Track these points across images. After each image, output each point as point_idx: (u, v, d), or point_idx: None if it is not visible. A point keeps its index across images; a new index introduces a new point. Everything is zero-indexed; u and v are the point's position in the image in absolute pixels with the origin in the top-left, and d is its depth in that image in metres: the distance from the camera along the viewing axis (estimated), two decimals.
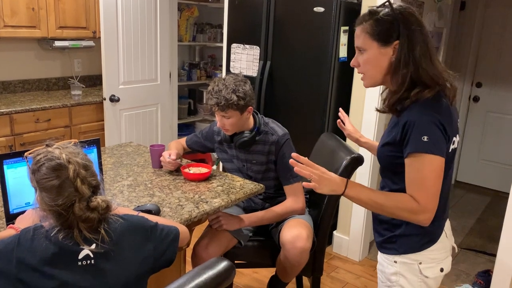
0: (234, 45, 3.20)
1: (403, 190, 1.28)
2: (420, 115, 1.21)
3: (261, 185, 1.97)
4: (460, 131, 4.52)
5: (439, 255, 1.36)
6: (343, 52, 2.80)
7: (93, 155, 1.70)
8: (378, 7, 1.30)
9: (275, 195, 2.12)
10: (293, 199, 2.01)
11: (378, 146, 1.38)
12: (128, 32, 3.48)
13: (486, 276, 2.72)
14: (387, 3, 1.28)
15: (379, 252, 1.44)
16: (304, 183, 1.32)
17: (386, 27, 1.25)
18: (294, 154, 1.31)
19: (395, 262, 1.36)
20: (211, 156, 2.41)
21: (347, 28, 2.74)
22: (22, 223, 1.33)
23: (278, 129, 2.04)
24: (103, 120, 3.46)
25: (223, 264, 1.17)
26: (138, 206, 1.61)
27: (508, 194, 2.24)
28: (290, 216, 2.03)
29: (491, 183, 4.49)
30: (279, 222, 2.05)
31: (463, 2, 4.29)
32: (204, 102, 4.66)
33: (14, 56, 3.49)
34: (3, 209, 1.51)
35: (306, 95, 2.90)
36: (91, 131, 3.45)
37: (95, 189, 1.16)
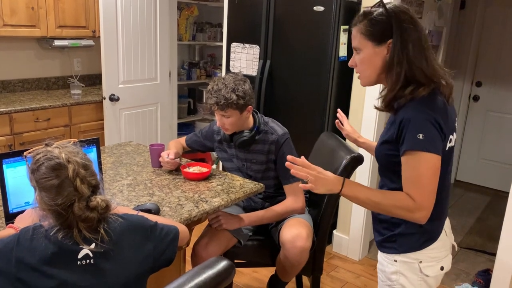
0: (234, 44, 3.19)
1: (401, 188, 1.28)
2: (416, 113, 1.22)
3: (261, 184, 1.97)
4: (460, 130, 4.52)
5: (439, 253, 1.36)
6: (343, 51, 2.79)
7: (92, 155, 1.69)
8: (372, 7, 1.32)
9: (275, 195, 2.12)
10: (293, 199, 2.01)
11: (376, 145, 1.38)
12: (128, 32, 3.48)
13: (486, 275, 2.72)
14: (380, 3, 1.29)
15: (379, 252, 1.44)
16: (301, 185, 1.33)
17: (379, 27, 1.27)
18: (289, 157, 1.32)
19: (395, 261, 1.36)
20: (210, 156, 2.41)
21: (347, 27, 2.73)
22: (21, 222, 1.33)
23: (277, 128, 2.04)
24: (102, 120, 3.45)
25: (223, 263, 1.17)
26: (137, 206, 1.61)
27: (508, 193, 2.24)
28: (290, 216, 2.03)
29: (491, 182, 4.49)
30: (279, 221, 2.05)
31: (463, 1, 4.29)
32: (204, 101, 4.66)
33: (14, 55, 3.49)
34: (2, 208, 1.50)
35: (306, 94, 2.90)
36: (90, 131, 3.45)
37: (95, 188, 1.16)
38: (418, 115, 1.21)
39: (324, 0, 2.69)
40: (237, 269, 2.40)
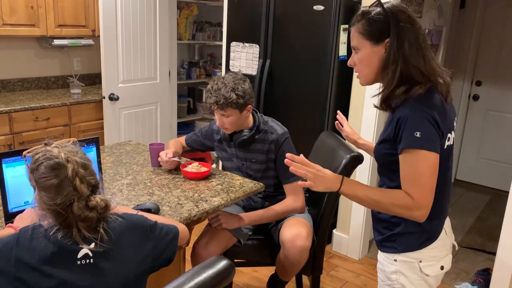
0: (233, 44, 3.19)
1: (400, 187, 1.28)
2: (413, 110, 1.22)
3: (261, 183, 1.96)
4: (460, 130, 4.52)
5: (439, 253, 1.35)
6: (342, 51, 2.79)
7: (92, 154, 1.69)
8: (370, 6, 1.32)
9: (274, 194, 2.12)
10: (293, 198, 2.01)
11: (375, 144, 1.38)
12: (128, 31, 3.47)
13: (485, 274, 2.72)
14: (378, 2, 1.30)
15: (379, 251, 1.44)
16: (300, 182, 1.33)
17: (377, 26, 1.27)
18: (288, 155, 1.32)
19: (395, 260, 1.36)
20: (210, 155, 2.41)
21: (347, 26, 2.73)
22: (21, 222, 1.33)
23: (277, 127, 2.04)
24: (102, 119, 3.45)
25: (223, 263, 1.17)
26: (137, 205, 1.61)
27: (508, 192, 2.24)
28: (290, 215, 2.03)
29: (490, 182, 4.49)
30: (279, 220, 2.04)
31: (463, 0, 4.28)
32: (204, 100, 4.65)
33: (13, 54, 3.49)
34: (1, 208, 1.50)
35: (305, 94, 2.90)
36: (90, 130, 3.45)
37: (94, 188, 1.16)
38: (415, 113, 1.22)
39: None
40: (237, 268, 2.40)
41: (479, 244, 3.36)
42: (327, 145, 2.24)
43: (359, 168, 2.25)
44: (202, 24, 4.61)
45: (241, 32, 3.14)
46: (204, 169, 2.00)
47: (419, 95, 1.23)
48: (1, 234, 1.24)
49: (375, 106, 1.39)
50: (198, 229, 2.00)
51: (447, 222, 1.42)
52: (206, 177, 1.98)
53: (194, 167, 2.00)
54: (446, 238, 1.39)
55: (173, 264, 1.32)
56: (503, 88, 4.27)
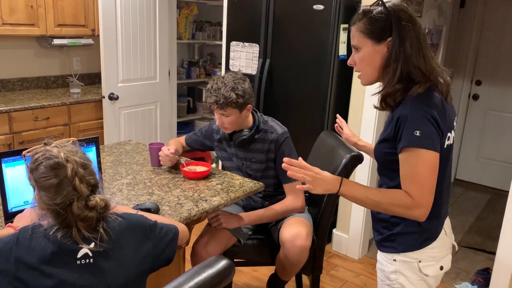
0: (233, 43, 3.19)
1: (399, 186, 1.28)
2: (413, 109, 1.22)
3: (261, 183, 1.96)
4: (460, 129, 4.52)
5: (439, 253, 1.35)
6: (342, 50, 2.79)
7: (92, 154, 1.69)
8: (371, 6, 1.32)
9: (274, 193, 2.12)
10: (293, 197, 2.01)
11: (376, 144, 1.38)
12: (127, 30, 3.47)
13: (485, 274, 2.72)
14: (379, 1, 1.30)
15: (378, 251, 1.44)
16: (299, 186, 1.33)
17: (379, 25, 1.27)
18: (286, 159, 1.32)
19: (395, 260, 1.36)
20: (210, 155, 2.41)
21: (346, 25, 2.73)
22: (20, 221, 1.33)
23: (277, 127, 2.04)
24: (102, 118, 3.45)
25: (223, 262, 1.17)
26: (137, 205, 1.61)
27: (507, 192, 2.24)
28: (290, 214, 2.03)
29: (490, 181, 4.49)
30: (279, 220, 2.04)
31: None
32: (203, 100, 4.65)
33: (13, 54, 3.48)
34: (1, 207, 1.50)
35: (305, 93, 2.89)
36: (90, 129, 3.44)
37: (94, 187, 1.16)
38: (414, 112, 1.22)
39: None
40: (236, 268, 2.40)
41: (479, 243, 3.36)
42: (327, 145, 2.24)
43: (358, 168, 2.25)
44: (202, 24, 4.60)
45: (241, 32, 3.14)
46: (204, 168, 2.00)
47: (419, 94, 1.24)
48: (1, 233, 1.24)
49: (375, 107, 1.39)
50: (198, 228, 2.00)
51: (447, 222, 1.42)
52: (206, 176, 1.98)
53: (193, 167, 2.00)
54: (446, 238, 1.39)
55: (173, 263, 1.32)
56: (503, 88, 4.27)
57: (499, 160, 4.39)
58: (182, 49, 4.69)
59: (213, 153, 2.31)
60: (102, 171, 1.95)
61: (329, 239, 3.13)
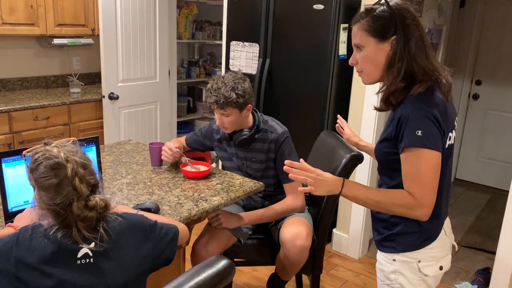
0: (233, 43, 3.19)
1: (400, 186, 1.28)
2: (414, 109, 1.22)
3: (261, 183, 1.96)
4: (460, 129, 4.52)
5: (438, 253, 1.35)
6: (342, 50, 2.79)
7: (92, 153, 1.69)
8: (374, 5, 1.32)
9: (274, 193, 2.12)
10: (293, 197, 2.01)
11: (376, 143, 1.38)
12: (127, 30, 3.47)
13: (485, 273, 2.72)
14: (382, 1, 1.29)
15: (378, 251, 1.44)
16: (301, 188, 1.33)
17: (383, 23, 1.27)
18: (287, 161, 1.32)
19: (394, 260, 1.36)
20: (210, 154, 2.41)
21: (346, 25, 2.73)
22: (20, 221, 1.33)
23: (277, 127, 2.04)
24: (102, 118, 3.45)
25: (223, 262, 1.17)
26: (137, 204, 1.61)
27: (507, 191, 2.24)
28: (290, 214, 2.03)
29: (490, 181, 4.49)
30: (279, 220, 2.04)
31: None
32: (203, 99, 4.65)
33: (13, 53, 3.48)
34: (1, 207, 1.50)
35: (305, 93, 2.89)
36: (90, 129, 3.44)
37: (94, 187, 1.16)
38: (416, 112, 1.21)
39: None
40: (236, 267, 2.40)
41: (478, 243, 3.36)
42: (327, 145, 2.24)
43: (358, 168, 2.25)
44: (201, 23, 4.60)
45: (241, 31, 3.14)
46: (204, 168, 2.00)
47: (419, 93, 1.23)
48: (1, 233, 1.25)
49: (375, 108, 1.38)
50: (198, 228, 2.00)
51: (447, 223, 1.42)
52: (206, 176, 1.98)
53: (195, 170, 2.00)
54: (446, 238, 1.39)
55: (173, 263, 1.32)
56: (503, 87, 4.27)
57: (499, 159, 4.39)
58: (182, 48, 4.69)
59: (213, 153, 2.31)
60: (102, 170, 1.95)
61: (329, 238, 3.13)
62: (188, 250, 2.05)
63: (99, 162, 1.74)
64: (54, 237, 1.09)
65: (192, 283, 1.10)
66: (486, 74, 4.35)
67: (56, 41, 3.42)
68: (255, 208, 2.07)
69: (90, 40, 3.64)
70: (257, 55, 3.06)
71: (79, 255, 1.11)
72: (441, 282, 1.55)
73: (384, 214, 1.36)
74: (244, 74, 2.01)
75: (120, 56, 3.46)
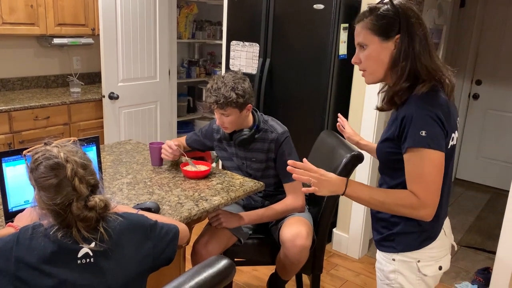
0: (233, 43, 3.19)
1: (401, 185, 1.28)
2: (418, 109, 1.22)
3: (261, 183, 1.96)
4: (460, 129, 4.51)
5: (438, 253, 1.35)
6: (343, 50, 2.79)
7: (92, 153, 1.69)
8: (377, 3, 1.31)
9: (274, 193, 2.12)
10: (293, 197, 2.01)
11: (378, 143, 1.38)
12: (127, 30, 3.47)
13: (485, 273, 2.72)
14: (386, 0, 1.29)
15: (377, 250, 1.44)
16: (304, 189, 1.32)
17: (387, 22, 1.26)
18: (290, 161, 1.31)
19: (394, 260, 1.36)
20: (210, 154, 2.41)
21: (347, 25, 2.73)
22: (21, 221, 1.33)
23: (277, 126, 2.04)
24: (102, 118, 3.45)
25: (223, 262, 1.17)
26: (137, 204, 1.61)
27: (507, 191, 2.24)
28: (290, 214, 2.03)
29: (490, 181, 4.49)
30: (279, 219, 2.04)
31: None
32: (203, 99, 4.65)
33: (13, 53, 3.48)
34: (2, 207, 1.50)
35: (306, 93, 2.89)
36: (90, 129, 3.44)
37: (94, 188, 1.16)
38: (420, 112, 1.21)
39: None
40: (237, 267, 2.39)
41: (478, 243, 3.36)
42: (327, 144, 2.24)
43: (359, 167, 2.25)
44: (202, 23, 4.60)
45: (241, 31, 3.14)
46: (204, 168, 2.00)
47: (423, 93, 1.23)
48: (1, 233, 1.25)
49: (377, 108, 1.38)
50: (198, 228, 2.00)
51: (447, 223, 1.42)
52: (206, 176, 1.98)
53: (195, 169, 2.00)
54: (445, 238, 1.39)
55: (173, 263, 1.32)
56: (503, 87, 4.27)
57: (499, 159, 4.39)
58: (182, 48, 4.68)
59: (213, 153, 2.31)
60: (103, 170, 1.96)
61: (329, 238, 3.13)
62: (189, 249, 2.05)
63: (99, 162, 1.74)
64: (55, 236, 1.09)
65: (192, 282, 1.10)
66: (486, 74, 4.35)
67: (56, 40, 3.42)
68: (255, 208, 2.07)
69: (90, 40, 3.63)
70: (257, 55, 3.06)
71: (80, 254, 1.11)
72: (441, 282, 1.55)
73: (384, 214, 1.36)
74: (244, 74, 2.01)
75: (120, 56, 3.46)
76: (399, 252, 1.35)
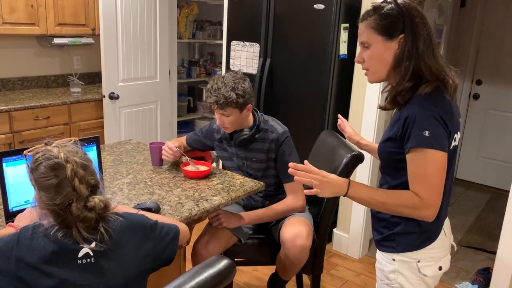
0: (234, 43, 3.19)
1: (402, 185, 1.28)
2: (421, 109, 1.22)
3: (261, 183, 1.97)
4: (460, 129, 4.52)
5: (438, 253, 1.35)
6: (343, 50, 2.79)
7: (92, 153, 1.69)
8: (381, 3, 1.31)
9: (275, 193, 2.12)
10: (293, 197, 2.01)
11: (380, 142, 1.38)
12: (128, 30, 3.47)
13: (486, 273, 2.72)
14: None
15: (377, 250, 1.44)
16: (306, 191, 1.31)
17: (390, 21, 1.26)
18: (291, 164, 1.31)
19: (394, 260, 1.36)
20: (210, 154, 2.41)
21: (347, 25, 2.73)
22: (21, 221, 1.33)
23: (277, 126, 2.04)
24: (102, 118, 3.45)
25: (224, 262, 1.17)
26: (138, 204, 1.61)
27: (508, 191, 2.24)
28: (290, 214, 2.03)
29: (490, 181, 4.49)
30: (279, 219, 2.04)
31: None
32: (204, 99, 4.65)
33: (13, 53, 3.48)
34: (2, 207, 1.50)
35: (306, 93, 2.89)
36: (90, 129, 3.44)
37: (94, 188, 1.15)
38: (423, 112, 1.21)
39: None
40: (237, 267, 2.39)
41: (479, 243, 3.36)
42: (328, 144, 2.24)
43: (359, 167, 2.25)
44: (202, 23, 4.60)
45: (241, 31, 3.14)
46: (204, 168, 2.00)
47: (426, 94, 1.23)
48: (2, 233, 1.25)
49: (380, 107, 1.38)
50: (199, 228, 2.00)
51: (447, 223, 1.42)
52: (206, 176, 1.98)
53: (195, 169, 2.00)
54: (445, 238, 1.39)
55: (174, 263, 1.32)
56: (503, 87, 4.27)
57: (499, 159, 4.39)
58: (183, 48, 4.68)
59: (214, 153, 2.31)
60: (103, 170, 1.96)
61: (329, 238, 3.13)
62: (189, 249, 2.05)
63: (99, 162, 1.74)
64: (55, 236, 1.09)
65: (193, 283, 1.10)
66: (486, 74, 4.35)
67: (56, 40, 3.42)
68: (256, 208, 2.07)
69: (90, 40, 3.63)
70: (258, 54, 3.06)
71: (80, 254, 1.11)
72: (442, 282, 1.55)
73: (385, 214, 1.36)
74: (244, 74, 2.01)
75: (121, 56, 3.46)
76: (399, 252, 1.35)
